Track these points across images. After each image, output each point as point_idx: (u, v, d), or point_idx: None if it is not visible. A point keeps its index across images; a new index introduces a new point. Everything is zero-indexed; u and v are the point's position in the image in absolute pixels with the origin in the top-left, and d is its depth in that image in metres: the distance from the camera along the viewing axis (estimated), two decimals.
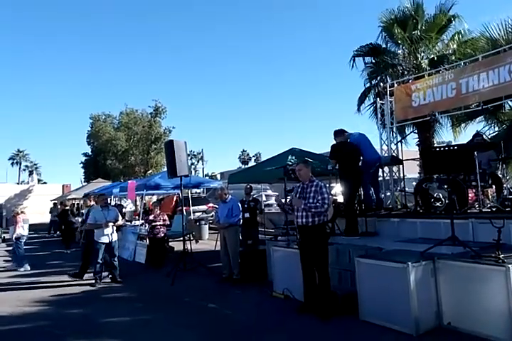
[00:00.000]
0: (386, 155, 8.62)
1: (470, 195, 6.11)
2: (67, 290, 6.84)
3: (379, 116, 9.46)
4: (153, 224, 9.18)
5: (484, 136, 7.41)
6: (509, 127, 9.86)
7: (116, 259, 7.42)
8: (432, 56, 10.97)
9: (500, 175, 7.03)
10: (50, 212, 19.10)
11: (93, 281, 7.17)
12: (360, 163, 6.90)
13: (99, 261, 7.21)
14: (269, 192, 18.18)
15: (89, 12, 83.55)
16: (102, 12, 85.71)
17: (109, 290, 6.84)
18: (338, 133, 6.66)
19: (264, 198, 15.28)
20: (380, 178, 8.51)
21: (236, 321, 4.86)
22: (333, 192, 7.88)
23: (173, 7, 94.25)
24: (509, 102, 8.96)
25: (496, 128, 10.21)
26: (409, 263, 4.01)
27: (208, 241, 12.36)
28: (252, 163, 66.52)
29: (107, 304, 5.99)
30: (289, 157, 8.34)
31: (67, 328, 4.86)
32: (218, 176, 44.81)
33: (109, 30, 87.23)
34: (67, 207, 16.82)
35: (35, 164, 67.13)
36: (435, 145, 10.76)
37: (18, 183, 48.26)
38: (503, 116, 10.07)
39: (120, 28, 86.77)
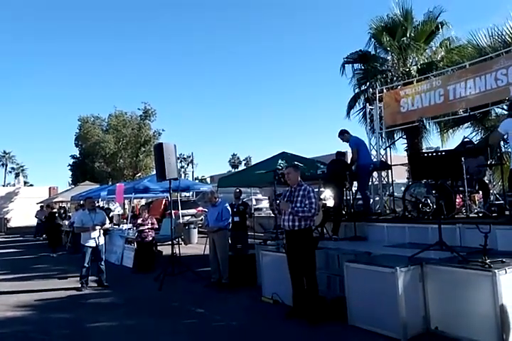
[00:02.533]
0: (375, 160, 8.69)
1: (457, 200, 6.17)
2: (53, 295, 6.73)
3: (368, 121, 9.53)
4: (141, 228, 9.09)
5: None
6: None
7: (103, 263, 7.33)
8: (421, 63, 11.11)
9: (487, 181, 7.11)
10: (36, 215, 18.80)
11: (79, 286, 7.08)
12: (353, 168, 7.30)
13: (86, 265, 7.12)
14: (259, 196, 18.19)
15: (77, 14, 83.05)
16: (91, 14, 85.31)
17: (96, 295, 6.74)
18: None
19: (254, 202, 15.28)
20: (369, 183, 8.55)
21: (225, 326, 4.82)
22: (322, 196, 7.91)
23: (163, 9, 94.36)
24: (495, 109, 9.10)
25: (483, 135, 10.35)
26: (398, 267, 4.02)
27: (197, 245, 12.27)
28: (242, 167, 66.63)
29: (92, 309, 5.90)
30: (280, 161, 8.35)
31: (51, 333, 4.77)
32: (208, 180, 44.73)
33: (98, 33, 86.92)
34: (55, 210, 16.61)
35: (21, 166, 66.21)
36: (423, 150, 10.87)
37: (3, 185, 47.55)
38: (489, 123, 10.22)
39: (109, 30, 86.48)
